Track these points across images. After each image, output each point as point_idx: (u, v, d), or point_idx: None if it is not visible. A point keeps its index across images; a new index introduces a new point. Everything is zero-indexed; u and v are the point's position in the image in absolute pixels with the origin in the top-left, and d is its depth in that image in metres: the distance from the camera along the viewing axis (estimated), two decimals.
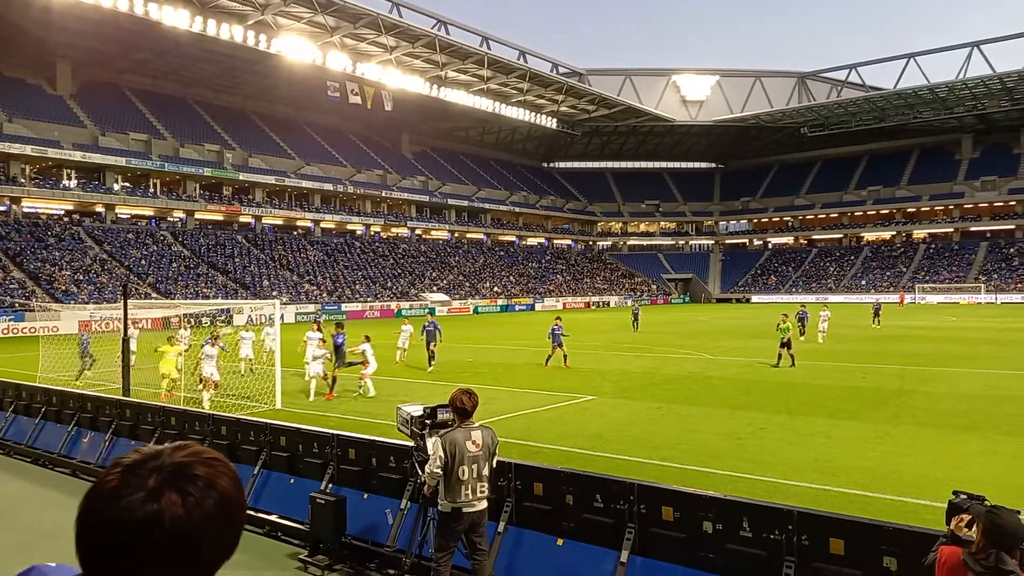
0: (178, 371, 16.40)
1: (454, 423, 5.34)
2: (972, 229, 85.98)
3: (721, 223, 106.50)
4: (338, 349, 17.73)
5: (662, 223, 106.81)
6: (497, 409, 14.68)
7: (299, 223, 71.49)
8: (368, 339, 17.02)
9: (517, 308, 72.16)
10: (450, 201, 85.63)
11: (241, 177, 67.04)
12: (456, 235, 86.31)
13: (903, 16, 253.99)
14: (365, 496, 7.13)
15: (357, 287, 63.81)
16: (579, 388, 17.77)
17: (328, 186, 73.45)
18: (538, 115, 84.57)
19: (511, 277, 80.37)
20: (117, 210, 59.49)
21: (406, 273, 70.85)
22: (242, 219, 67.20)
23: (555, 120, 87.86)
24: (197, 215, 63.53)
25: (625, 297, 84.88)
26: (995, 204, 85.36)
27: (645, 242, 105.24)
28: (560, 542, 5.66)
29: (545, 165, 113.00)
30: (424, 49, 65.24)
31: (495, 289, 75.19)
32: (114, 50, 61.68)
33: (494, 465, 5.33)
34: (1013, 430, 12.22)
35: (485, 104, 76.83)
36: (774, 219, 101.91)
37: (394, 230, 79.92)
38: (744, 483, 9.24)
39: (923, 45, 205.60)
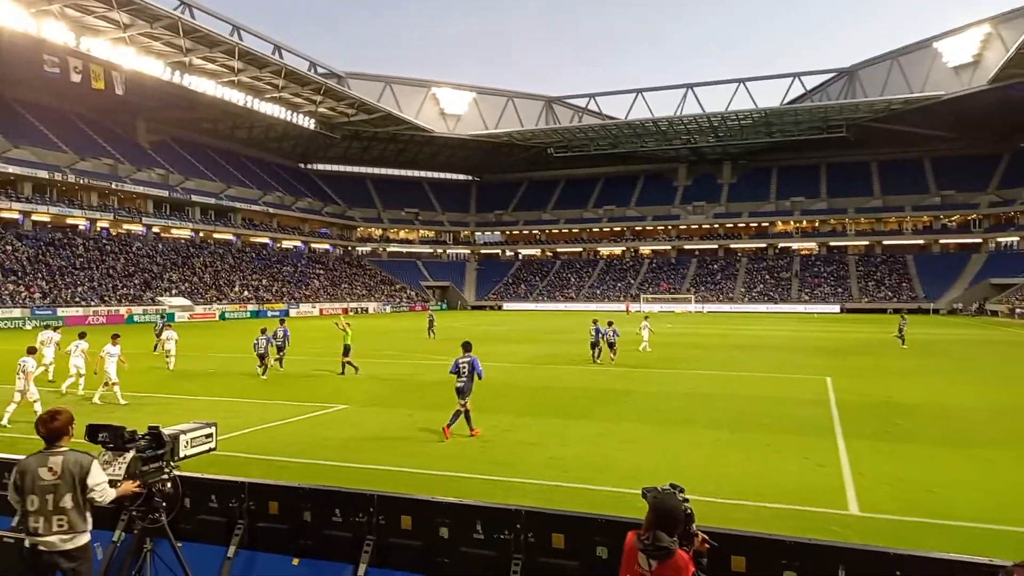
0: None
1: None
2: (686, 247, 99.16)
3: (477, 233, 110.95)
4: None
5: (421, 231, 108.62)
6: (240, 423, 13.79)
7: (3, 214, 61.23)
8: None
9: (270, 314, 68.44)
10: (194, 198, 78.98)
11: None
12: (201, 235, 79.86)
13: (635, 53, 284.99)
14: None
15: (79, 289, 56.22)
16: (330, 398, 17.34)
17: (43, 173, 63.85)
18: (295, 114, 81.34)
19: (264, 281, 76.17)
20: None
21: (140, 274, 63.90)
22: None
23: (313, 121, 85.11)
24: None
25: (384, 304, 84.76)
26: (703, 226, 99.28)
27: (405, 249, 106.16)
28: (296, 562, 5.47)
29: (303, 166, 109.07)
30: (165, 31, 59.51)
31: (245, 294, 70.74)
32: None
33: (96, 498, 4.64)
34: (713, 424, 14.19)
35: (235, 97, 72.16)
36: (524, 232, 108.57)
37: (126, 226, 71.78)
38: (488, 485, 9.67)
39: (650, 83, 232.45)
